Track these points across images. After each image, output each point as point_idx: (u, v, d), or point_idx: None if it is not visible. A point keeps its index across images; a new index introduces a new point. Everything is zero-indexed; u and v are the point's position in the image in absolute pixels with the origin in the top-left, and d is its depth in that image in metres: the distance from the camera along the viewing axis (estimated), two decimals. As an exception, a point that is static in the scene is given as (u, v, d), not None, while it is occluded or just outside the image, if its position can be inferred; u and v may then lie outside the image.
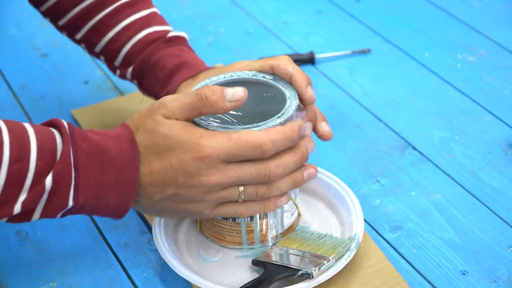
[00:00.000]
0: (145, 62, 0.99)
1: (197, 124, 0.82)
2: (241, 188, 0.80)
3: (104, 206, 0.79)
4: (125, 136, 0.79)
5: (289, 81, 0.87)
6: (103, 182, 0.77)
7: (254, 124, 0.82)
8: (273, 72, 0.88)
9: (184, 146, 0.77)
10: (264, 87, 0.88)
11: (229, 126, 0.82)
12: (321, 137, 0.90)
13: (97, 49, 1.03)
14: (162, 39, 0.99)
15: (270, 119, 0.83)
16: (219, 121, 0.83)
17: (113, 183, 0.78)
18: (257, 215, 0.87)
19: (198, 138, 0.77)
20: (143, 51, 0.99)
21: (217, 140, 0.77)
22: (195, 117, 0.79)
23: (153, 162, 0.78)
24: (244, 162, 0.79)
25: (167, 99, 0.79)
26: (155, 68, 0.98)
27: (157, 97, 0.99)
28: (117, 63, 1.02)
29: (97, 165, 0.77)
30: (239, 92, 0.79)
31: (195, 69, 0.97)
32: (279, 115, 0.83)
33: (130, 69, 1.00)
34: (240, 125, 0.82)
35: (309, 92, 0.86)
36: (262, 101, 0.86)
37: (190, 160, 0.77)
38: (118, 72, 1.02)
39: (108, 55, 1.02)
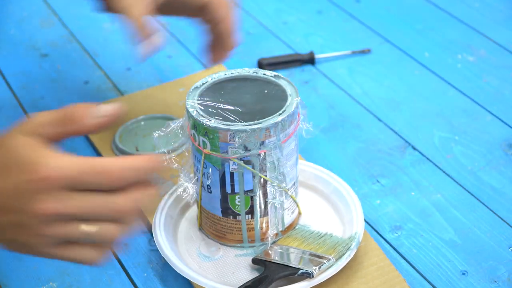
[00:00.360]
0: None
1: (197, 120, 0.82)
2: (83, 227, 0.66)
3: None
4: None
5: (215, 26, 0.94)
6: None
7: (255, 121, 0.82)
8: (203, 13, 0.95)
9: (21, 165, 0.65)
10: (265, 83, 0.88)
11: (230, 123, 0.82)
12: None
13: None
14: None
15: (271, 116, 0.83)
16: (220, 118, 0.83)
17: None
18: (258, 213, 0.87)
19: (39, 157, 0.65)
20: None
21: (60, 161, 0.65)
22: (62, 137, 0.68)
23: None
24: (91, 192, 0.66)
25: (36, 115, 0.68)
26: None
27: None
28: None
29: None
30: (105, 108, 0.68)
31: None
32: (280, 112, 0.84)
33: None
34: (241, 122, 0.82)
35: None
36: (263, 98, 0.86)
37: (25, 182, 0.64)
38: None
39: None
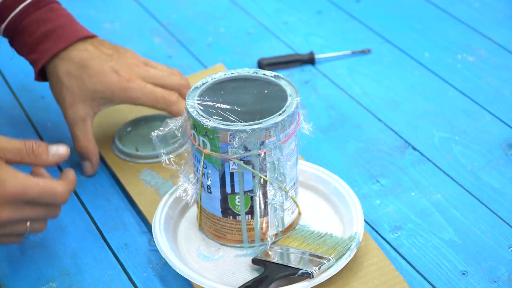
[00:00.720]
0: (15, 26, 1.01)
1: (197, 120, 0.82)
2: (29, 224, 0.84)
3: None
4: None
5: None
6: None
7: (255, 121, 0.82)
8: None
9: None
10: (265, 84, 0.88)
11: (230, 123, 0.82)
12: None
13: None
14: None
15: (271, 116, 0.83)
16: (220, 118, 0.83)
17: None
18: (258, 213, 0.87)
19: (7, 176, 0.80)
20: (13, 9, 1.01)
21: (23, 182, 0.81)
22: (16, 162, 0.83)
23: None
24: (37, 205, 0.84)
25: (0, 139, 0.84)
26: (23, 33, 1.01)
27: (26, 58, 1.03)
28: None
29: None
30: (62, 150, 0.86)
31: (63, 40, 1.00)
32: (280, 112, 0.84)
33: (2, 27, 1.02)
34: (241, 122, 0.82)
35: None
36: (263, 98, 0.86)
37: None
38: None
39: None
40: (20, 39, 1.02)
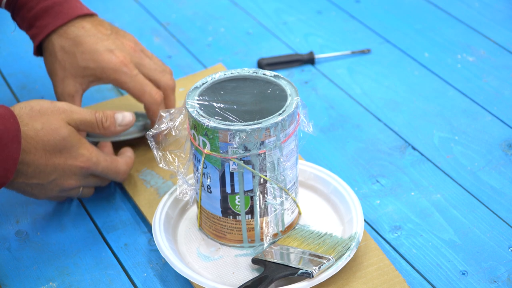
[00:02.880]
0: (15, 1, 1.02)
1: (197, 120, 0.82)
2: (81, 189, 0.95)
3: None
4: (8, 114, 0.85)
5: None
6: None
7: (255, 121, 0.82)
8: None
9: (73, 153, 0.90)
10: (265, 84, 0.88)
11: (230, 123, 0.82)
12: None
13: None
14: None
15: (271, 116, 0.83)
16: (220, 118, 0.83)
17: None
18: (258, 213, 0.87)
19: (85, 150, 0.92)
20: None
21: (95, 157, 0.92)
22: (87, 131, 0.94)
23: (40, 156, 0.88)
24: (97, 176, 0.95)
25: (73, 108, 0.92)
26: (23, 8, 1.02)
27: (27, 33, 1.04)
28: None
29: None
30: (127, 119, 0.96)
31: (61, 17, 1.00)
32: (280, 112, 0.84)
33: (3, 0, 1.03)
34: (241, 122, 0.82)
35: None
36: (263, 98, 0.86)
37: (71, 166, 0.91)
38: None
39: None
40: (20, 14, 1.03)
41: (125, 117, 0.96)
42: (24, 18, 1.02)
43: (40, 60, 1.29)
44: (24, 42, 1.34)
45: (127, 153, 0.98)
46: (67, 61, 1.00)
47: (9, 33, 1.36)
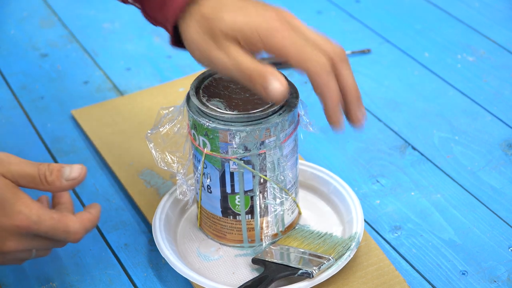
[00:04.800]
0: None
1: (197, 120, 0.82)
2: (34, 252, 0.80)
3: None
4: None
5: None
6: None
7: (255, 121, 0.82)
8: None
9: (7, 209, 0.75)
10: None
11: (230, 123, 0.82)
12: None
13: None
14: None
15: (271, 116, 0.83)
16: (220, 118, 0.83)
17: None
18: (258, 213, 0.87)
19: (22, 207, 0.76)
20: None
21: (36, 214, 0.76)
22: (29, 187, 0.78)
23: None
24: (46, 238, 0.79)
25: (11, 159, 0.78)
26: None
27: (158, 22, 0.87)
28: None
29: None
30: (75, 173, 0.79)
31: None
32: (280, 112, 0.84)
33: None
34: (241, 121, 0.82)
35: None
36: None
37: (5, 225, 0.76)
38: None
39: None
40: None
41: (73, 170, 0.79)
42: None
43: (40, 60, 1.29)
44: (24, 42, 1.34)
45: (90, 209, 0.82)
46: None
47: (9, 33, 1.36)
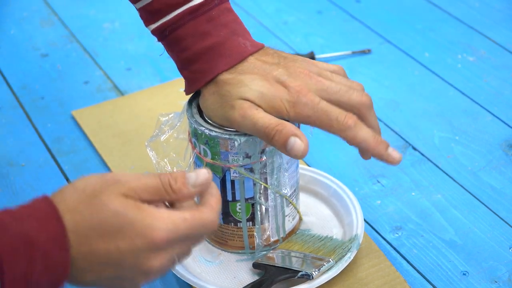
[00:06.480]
0: (164, 35, 0.86)
1: (197, 129, 0.82)
2: (176, 258, 0.73)
3: None
4: (50, 214, 0.68)
5: None
6: (32, 272, 0.66)
7: None
8: None
9: (137, 229, 0.68)
10: None
11: (230, 131, 0.82)
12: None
13: None
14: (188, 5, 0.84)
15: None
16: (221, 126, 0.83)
17: (43, 270, 0.67)
18: (259, 220, 0.87)
19: (150, 220, 0.69)
20: (164, 14, 0.86)
21: (171, 224, 0.69)
22: (154, 201, 0.71)
23: (95, 242, 0.68)
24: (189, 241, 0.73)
25: (127, 177, 0.71)
26: (175, 45, 0.86)
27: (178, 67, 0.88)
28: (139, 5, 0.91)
29: (23, 257, 0.66)
30: (202, 177, 0.72)
31: (230, 56, 0.84)
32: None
33: (152, 27, 0.88)
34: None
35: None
36: None
37: (143, 244, 0.69)
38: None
39: None
40: (171, 50, 0.87)
41: (199, 175, 0.72)
42: (177, 58, 0.87)
43: (40, 60, 1.29)
44: (24, 42, 1.34)
45: (212, 191, 0.73)
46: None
47: (9, 33, 1.36)
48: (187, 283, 0.87)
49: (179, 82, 1.19)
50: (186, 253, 0.73)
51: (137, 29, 1.35)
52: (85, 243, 0.68)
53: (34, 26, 1.37)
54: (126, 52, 1.30)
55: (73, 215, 0.68)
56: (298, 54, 1.25)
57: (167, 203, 0.72)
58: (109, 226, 0.68)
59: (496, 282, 0.87)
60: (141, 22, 1.36)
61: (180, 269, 0.85)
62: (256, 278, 0.86)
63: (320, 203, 0.96)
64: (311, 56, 1.24)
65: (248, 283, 0.85)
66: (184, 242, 0.71)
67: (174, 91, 1.18)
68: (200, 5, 0.83)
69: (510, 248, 0.91)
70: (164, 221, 0.69)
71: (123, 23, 1.38)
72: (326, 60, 1.25)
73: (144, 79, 1.23)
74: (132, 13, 1.42)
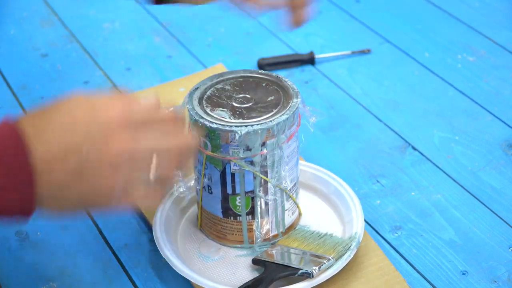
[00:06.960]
0: None
1: (198, 121, 0.83)
2: (154, 160, 0.68)
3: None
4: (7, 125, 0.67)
5: None
6: None
7: (256, 122, 0.82)
8: None
9: (93, 107, 0.68)
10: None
11: (231, 124, 0.82)
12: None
13: None
14: None
15: (272, 117, 0.83)
16: (221, 119, 0.83)
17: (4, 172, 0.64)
18: (258, 214, 0.87)
19: (109, 100, 0.69)
20: None
21: (128, 103, 0.69)
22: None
23: (51, 130, 0.67)
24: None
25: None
26: None
27: None
28: None
29: None
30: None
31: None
32: (281, 113, 0.84)
33: None
34: (242, 122, 0.82)
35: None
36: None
37: (102, 122, 0.67)
38: None
39: None
40: None
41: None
42: None
43: (40, 60, 1.29)
44: (24, 42, 1.34)
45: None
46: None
47: (9, 33, 1.36)
48: (186, 279, 0.87)
49: (179, 82, 1.20)
50: (167, 167, 0.70)
51: (137, 29, 1.35)
52: (42, 135, 0.66)
53: (34, 26, 1.37)
54: (126, 52, 1.30)
55: (32, 126, 0.67)
56: (298, 54, 1.25)
57: None
58: (64, 112, 0.68)
59: (495, 282, 0.87)
60: (141, 22, 1.36)
61: (178, 265, 0.85)
62: (255, 274, 0.87)
63: (320, 200, 0.96)
64: (311, 56, 1.24)
65: (247, 279, 0.85)
66: (155, 131, 0.69)
67: (174, 91, 1.18)
68: None
69: (509, 248, 0.91)
70: (119, 102, 0.68)
71: (123, 23, 1.38)
72: (326, 60, 1.25)
73: (144, 79, 1.23)
74: (132, 13, 1.42)
